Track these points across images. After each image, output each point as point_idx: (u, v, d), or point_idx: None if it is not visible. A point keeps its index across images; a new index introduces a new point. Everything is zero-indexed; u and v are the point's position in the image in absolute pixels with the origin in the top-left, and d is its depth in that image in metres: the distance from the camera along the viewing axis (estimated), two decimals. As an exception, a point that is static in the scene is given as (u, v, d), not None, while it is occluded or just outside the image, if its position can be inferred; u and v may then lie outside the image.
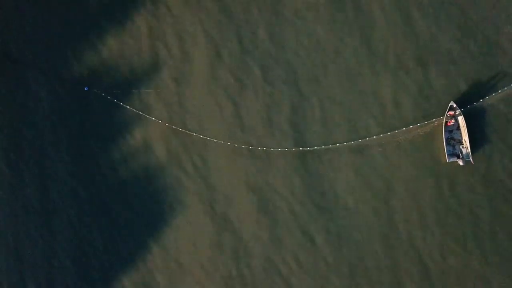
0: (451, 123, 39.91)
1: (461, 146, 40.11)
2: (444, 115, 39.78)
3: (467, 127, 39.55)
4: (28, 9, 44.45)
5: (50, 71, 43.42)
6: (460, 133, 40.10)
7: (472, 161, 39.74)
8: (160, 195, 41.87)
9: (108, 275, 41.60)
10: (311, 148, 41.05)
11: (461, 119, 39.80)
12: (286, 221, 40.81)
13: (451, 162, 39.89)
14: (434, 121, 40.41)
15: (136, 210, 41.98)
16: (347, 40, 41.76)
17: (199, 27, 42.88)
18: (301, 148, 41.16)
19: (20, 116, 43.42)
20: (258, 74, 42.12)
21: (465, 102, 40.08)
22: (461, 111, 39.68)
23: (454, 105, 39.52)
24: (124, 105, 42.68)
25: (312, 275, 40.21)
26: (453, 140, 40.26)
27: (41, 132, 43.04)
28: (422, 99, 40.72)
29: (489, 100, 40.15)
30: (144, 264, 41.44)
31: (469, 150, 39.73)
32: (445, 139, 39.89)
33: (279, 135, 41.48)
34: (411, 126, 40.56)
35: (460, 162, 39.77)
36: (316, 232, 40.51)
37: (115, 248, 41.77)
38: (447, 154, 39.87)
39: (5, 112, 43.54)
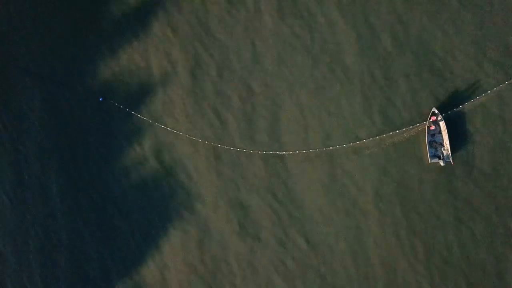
0: (433, 128, 43.99)
1: (442, 149, 44.16)
2: (427, 120, 43.92)
3: (447, 131, 43.69)
4: (48, 28, 48.52)
5: (67, 83, 47.46)
6: (442, 136, 44.14)
7: (452, 162, 43.81)
8: (166, 199, 45.91)
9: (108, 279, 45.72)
10: (314, 150, 45.16)
11: (442, 124, 43.86)
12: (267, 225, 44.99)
13: (433, 163, 44.00)
14: (418, 125, 44.49)
15: (148, 212, 46.04)
16: (341, 51, 45.86)
17: (200, 48, 47.08)
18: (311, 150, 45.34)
19: (40, 124, 47.45)
20: (257, 89, 46.24)
21: (446, 108, 44.21)
22: (442, 116, 43.79)
23: (436, 111, 43.62)
24: (135, 114, 46.73)
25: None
26: (435, 143, 44.32)
27: (58, 138, 47.14)
28: (407, 106, 44.74)
29: (468, 106, 44.20)
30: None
31: (450, 152, 43.77)
32: (428, 142, 43.97)
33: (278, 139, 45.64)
34: (397, 131, 44.65)
35: (441, 163, 43.84)
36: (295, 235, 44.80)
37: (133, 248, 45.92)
38: (430, 156, 43.94)
39: (25, 120, 47.61)
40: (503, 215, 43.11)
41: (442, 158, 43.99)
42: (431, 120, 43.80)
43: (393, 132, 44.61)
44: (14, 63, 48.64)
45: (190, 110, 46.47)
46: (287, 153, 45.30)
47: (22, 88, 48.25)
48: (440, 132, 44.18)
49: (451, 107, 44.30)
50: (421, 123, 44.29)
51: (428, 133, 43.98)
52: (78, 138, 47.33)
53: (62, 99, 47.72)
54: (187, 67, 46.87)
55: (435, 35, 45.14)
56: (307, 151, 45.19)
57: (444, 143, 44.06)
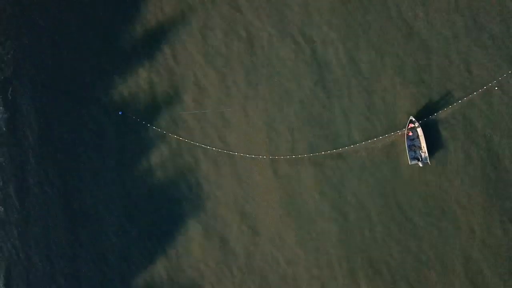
0: (411, 134, 50.26)
1: (420, 151, 50.40)
2: (406, 127, 50.22)
3: (424, 136, 49.92)
4: (70, 46, 54.80)
5: (91, 98, 53.73)
6: (419, 140, 50.42)
7: (429, 163, 50.07)
8: (182, 203, 52.21)
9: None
10: (315, 153, 51.49)
11: (419, 130, 50.11)
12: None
13: (413, 164, 50.25)
14: (398, 132, 50.74)
15: (162, 214, 52.39)
16: (334, 66, 52.26)
17: (209, 65, 53.53)
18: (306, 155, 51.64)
19: (67, 137, 53.77)
20: (262, 91, 52.55)
21: (422, 116, 50.53)
22: (419, 123, 50.06)
23: (413, 119, 49.93)
24: (151, 126, 53.06)
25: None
26: (414, 146, 50.55)
27: (87, 147, 53.51)
28: (389, 115, 51.04)
29: (442, 114, 50.50)
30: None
31: (427, 154, 50.03)
32: (407, 146, 50.22)
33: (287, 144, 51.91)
34: (380, 137, 50.93)
35: (420, 164, 50.07)
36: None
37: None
38: (409, 158, 50.19)
39: (52, 132, 53.94)
40: (469, 215, 49.54)
41: (420, 159, 50.21)
42: (409, 127, 50.05)
43: (377, 138, 50.86)
44: (39, 80, 54.70)
45: (201, 122, 52.80)
46: (284, 157, 51.51)
47: (45, 104, 54.30)
48: (418, 137, 50.42)
49: (427, 115, 50.59)
50: (401, 129, 50.55)
51: (407, 138, 50.22)
52: (96, 146, 53.45)
53: (85, 114, 53.87)
54: (193, 84, 53.24)
55: (413, 52, 51.62)
56: (296, 156, 51.56)
57: (422, 147, 50.28)
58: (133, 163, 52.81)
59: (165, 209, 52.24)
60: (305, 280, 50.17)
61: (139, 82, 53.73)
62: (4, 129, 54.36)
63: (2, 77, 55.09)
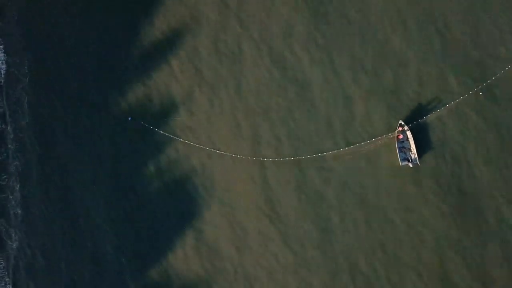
0: (401, 137, 53.71)
1: (410, 153, 53.78)
2: (396, 131, 53.70)
3: (413, 138, 53.32)
4: (80, 52, 58.98)
5: (101, 105, 57.78)
6: (409, 143, 53.81)
7: (418, 163, 53.46)
8: (187, 204, 55.98)
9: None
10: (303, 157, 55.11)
11: (408, 133, 53.53)
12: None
13: (404, 165, 53.65)
14: (390, 135, 54.24)
15: (171, 215, 56.14)
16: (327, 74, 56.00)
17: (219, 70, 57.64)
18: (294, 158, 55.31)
19: (78, 142, 57.80)
20: (276, 102, 56.41)
21: (411, 120, 54.02)
22: (408, 127, 53.53)
23: (403, 123, 53.42)
24: (158, 131, 56.96)
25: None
26: (404, 148, 53.95)
27: (99, 151, 57.54)
28: (380, 119, 54.58)
29: (429, 118, 53.98)
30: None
31: (416, 155, 53.41)
32: (398, 148, 53.64)
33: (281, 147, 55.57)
34: (373, 139, 54.41)
35: (410, 165, 53.45)
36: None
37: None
38: (400, 159, 53.59)
39: (63, 138, 58.01)
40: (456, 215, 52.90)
41: (410, 160, 53.58)
42: (399, 130, 53.51)
43: (370, 141, 54.35)
44: (53, 89, 58.86)
45: (209, 126, 56.70)
46: (283, 159, 55.14)
47: (56, 110, 58.33)
48: (407, 140, 53.83)
49: (416, 119, 54.06)
50: (392, 132, 54.04)
51: (397, 141, 53.67)
52: (109, 150, 57.38)
53: (95, 119, 57.89)
54: (205, 91, 57.17)
55: (403, 60, 55.27)
56: (295, 158, 55.16)
57: (412, 149, 53.69)
58: (143, 164, 56.76)
59: (172, 209, 56.00)
60: (292, 281, 53.70)
61: (146, 90, 57.69)
62: (21, 134, 58.47)
63: (20, 87, 59.32)
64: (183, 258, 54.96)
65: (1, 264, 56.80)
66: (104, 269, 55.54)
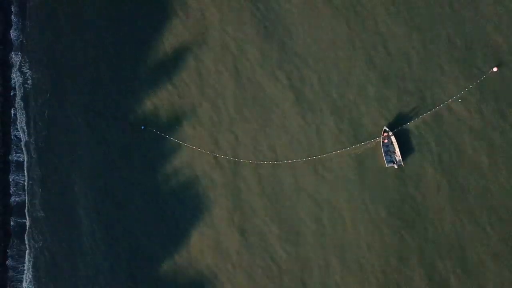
0: (386, 141, 59.77)
1: (395, 155, 59.78)
2: (381, 136, 59.86)
3: (397, 142, 59.34)
4: (96, 65, 65.43)
5: (117, 114, 64.11)
6: (394, 146, 59.85)
7: (403, 164, 59.45)
8: (196, 203, 62.05)
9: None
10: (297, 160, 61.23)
11: (393, 138, 59.60)
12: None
13: (389, 166, 59.64)
14: (378, 139, 60.30)
15: (181, 214, 62.18)
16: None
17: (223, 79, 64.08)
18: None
19: (94, 149, 64.02)
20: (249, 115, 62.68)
21: (395, 126, 60.18)
22: (393, 132, 59.63)
23: (387, 129, 59.58)
24: (169, 137, 63.20)
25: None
26: (390, 151, 59.95)
27: (113, 155, 63.74)
28: (367, 125, 60.73)
29: (411, 124, 60.20)
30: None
31: (401, 157, 59.41)
32: (384, 151, 59.67)
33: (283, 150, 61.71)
34: (362, 143, 60.51)
35: (395, 166, 59.44)
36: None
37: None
38: (386, 161, 59.59)
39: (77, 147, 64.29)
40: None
41: (395, 162, 59.58)
42: (384, 135, 59.63)
43: (359, 144, 60.47)
44: (68, 100, 65.04)
45: (215, 134, 62.87)
46: (282, 162, 61.23)
47: (73, 121, 64.48)
48: (392, 143, 59.88)
49: (399, 125, 60.26)
50: (378, 137, 60.19)
51: (383, 145, 59.75)
52: (122, 155, 63.56)
53: (112, 128, 64.13)
54: (208, 105, 63.52)
55: (385, 75, 61.68)
56: (293, 161, 61.32)
57: (396, 151, 59.71)
58: (154, 168, 62.96)
59: (180, 210, 62.03)
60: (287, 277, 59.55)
61: (158, 101, 64.04)
62: (42, 144, 64.56)
63: (41, 101, 65.51)
64: (198, 253, 60.91)
65: (23, 264, 62.65)
66: (117, 269, 61.38)
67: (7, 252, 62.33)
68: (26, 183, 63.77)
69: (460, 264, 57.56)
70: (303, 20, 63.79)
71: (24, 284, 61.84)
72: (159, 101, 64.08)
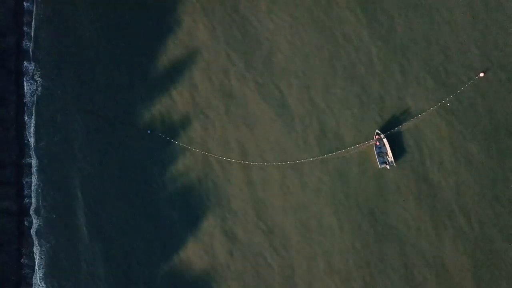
0: (378, 144, 63.45)
1: (387, 157, 63.43)
2: (373, 138, 63.57)
3: (389, 145, 63.03)
4: (103, 70, 69.09)
5: (124, 119, 67.76)
6: (386, 148, 63.50)
7: (395, 165, 63.14)
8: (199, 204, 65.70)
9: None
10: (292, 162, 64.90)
11: (385, 140, 63.27)
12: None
13: (382, 167, 63.32)
14: (371, 141, 63.95)
15: (185, 212, 65.76)
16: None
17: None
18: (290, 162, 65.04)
19: (104, 154, 67.64)
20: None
21: (387, 129, 63.93)
22: (385, 135, 63.29)
23: (379, 132, 63.29)
24: (174, 141, 66.86)
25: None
26: (382, 153, 63.59)
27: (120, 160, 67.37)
28: (362, 129, 64.42)
29: (402, 127, 63.97)
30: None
31: (392, 159, 63.08)
32: (376, 153, 63.32)
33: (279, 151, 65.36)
34: (357, 145, 64.19)
35: (388, 167, 63.11)
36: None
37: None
38: (379, 163, 63.24)
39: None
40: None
41: (388, 163, 63.25)
42: (376, 137, 63.33)
43: (354, 146, 64.15)
44: (79, 107, 68.45)
45: (219, 138, 66.49)
46: (290, 162, 64.88)
47: (83, 127, 67.83)
48: (384, 145, 63.54)
49: (391, 128, 63.99)
50: (371, 140, 63.92)
51: (376, 147, 63.43)
52: (131, 159, 67.14)
53: (119, 133, 67.73)
54: (217, 107, 67.24)
55: (366, 84, 65.48)
56: (290, 162, 65.02)
57: (388, 153, 63.38)
58: (158, 170, 66.59)
59: (187, 211, 65.67)
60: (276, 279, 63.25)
61: (162, 107, 67.71)
62: (55, 148, 67.93)
63: (53, 108, 68.96)
64: (207, 253, 64.61)
65: (30, 265, 66.32)
66: (133, 269, 64.82)
67: (22, 251, 65.90)
68: (35, 186, 66.93)
69: (439, 269, 61.78)
70: (287, 35, 67.49)
71: (35, 281, 65.33)
72: (164, 106, 67.49)
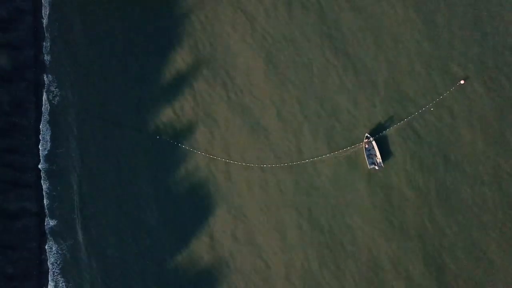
0: (367, 146, 69.51)
1: (376, 158, 69.46)
2: (363, 141, 69.64)
3: (378, 147, 69.04)
4: (111, 77, 74.88)
5: (132, 124, 73.62)
6: (375, 150, 69.53)
7: (383, 166, 69.20)
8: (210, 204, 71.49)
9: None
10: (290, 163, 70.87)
11: (374, 143, 69.25)
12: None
13: (371, 168, 69.32)
14: (361, 144, 69.98)
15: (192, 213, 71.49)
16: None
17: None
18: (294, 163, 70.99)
19: (114, 159, 73.41)
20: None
21: (375, 132, 69.96)
22: (373, 138, 69.31)
23: (368, 135, 69.32)
24: (183, 146, 72.67)
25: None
26: (371, 155, 69.54)
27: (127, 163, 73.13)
28: (352, 132, 70.48)
29: (390, 130, 70.00)
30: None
31: (381, 160, 69.09)
32: (366, 155, 69.23)
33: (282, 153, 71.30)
34: (348, 148, 70.21)
35: (376, 168, 69.14)
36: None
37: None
38: (368, 164, 69.10)
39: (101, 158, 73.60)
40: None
41: (376, 164, 69.29)
42: (365, 141, 69.43)
43: (345, 149, 70.17)
44: (94, 116, 74.11)
45: (225, 142, 72.17)
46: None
47: (97, 134, 73.19)
48: (373, 148, 69.60)
49: (380, 131, 70.09)
50: (360, 142, 70.02)
51: (365, 149, 69.49)
52: (140, 164, 72.88)
53: (129, 138, 73.50)
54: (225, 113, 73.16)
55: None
56: (284, 164, 71.01)
57: (377, 155, 69.44)
58: (167, 175, 72.42)
59: (193, 212, 71.43)
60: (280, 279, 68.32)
61: (171, 113, 73.53)
62: (73, 154, 73.09)
63: (69, 117, 74.45)
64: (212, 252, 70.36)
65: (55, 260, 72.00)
66: (150, 268, 69.85)
67: (45, 249, 71.69)
68: (46, 190, 72.26)
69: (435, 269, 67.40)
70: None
71: (49, 277, 70.74)
72: (174, 112, 73.09)
